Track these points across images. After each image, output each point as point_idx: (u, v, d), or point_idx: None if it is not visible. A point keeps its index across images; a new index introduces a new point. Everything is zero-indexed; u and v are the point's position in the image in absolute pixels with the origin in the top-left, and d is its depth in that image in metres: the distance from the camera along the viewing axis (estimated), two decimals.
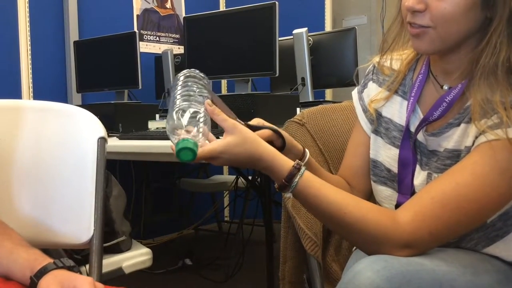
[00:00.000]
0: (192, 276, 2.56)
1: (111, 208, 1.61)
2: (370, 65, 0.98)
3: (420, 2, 0.76)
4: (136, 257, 1.67)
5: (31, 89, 2.54)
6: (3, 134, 1.00)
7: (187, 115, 0.77)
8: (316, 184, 0.77)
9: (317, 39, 2.29)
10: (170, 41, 3.27)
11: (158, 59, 2.83)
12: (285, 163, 0.77)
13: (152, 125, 2.18)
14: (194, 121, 0.77)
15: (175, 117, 0.77)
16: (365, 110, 0.97)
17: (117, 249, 1.66)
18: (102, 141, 0.96)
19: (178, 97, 0.80)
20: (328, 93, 3.09)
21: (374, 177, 0.93)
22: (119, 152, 1.76)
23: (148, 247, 1.75)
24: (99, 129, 0.98)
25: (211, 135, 0.81)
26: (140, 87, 2.38)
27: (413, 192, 0.85)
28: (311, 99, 2.16)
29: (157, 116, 2.39)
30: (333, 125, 1.15)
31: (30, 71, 2.54)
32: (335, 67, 2.29)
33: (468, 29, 0.76)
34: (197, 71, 0.85)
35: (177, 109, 0.78)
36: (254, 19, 1.95)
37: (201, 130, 0.77)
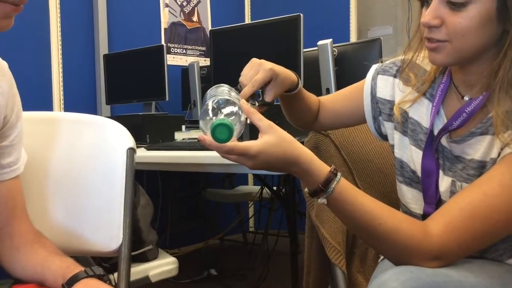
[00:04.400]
0: (217, 287, 2.57)
1: (139, 217, 1.64)
2: (399, 57, 0.97)
3: (435, 17, 0.77)
4: (163, 266, 1.70)
5: (62, 101, 2.62)
6: (38, 144, 1.04)
7: (224, 110, 0.76)
8: (352, 191, 0.77)
9: (342, 50, 2.30)
10: (197, 53, 3.33)
11: (184, 71, 2.88)
12: (322, 167, 0.77)
13: (179, 136, 2.22)
14: (229, 116, 0.75)
15: (211, 106, 0.75)
16: (373, 94, 0.98)
17: (144, 258, 1.69)
18: (131, 151, 0.99)
19: (213, 97, 0.79)
20: None
21: (401, 177, 0.94)
22: (147, 162, 1.80)
23: (173, 256, 1.78)
24: (128, 140, 1.01)
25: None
26: (167, 99, 2.42)
27: (439, 200, 0.85)
28: None
29: (183, 127, 2.43)
30: (357, 135, 1.15)
31: (61, 83, 2.62)
32: (360, 78, 2.28)
33: (484, 42, 0.76)
34: (230, 86, 0.86)
35: (214, 100, 0.77)
36: (280, 32, 1.97)
37: (236, 126, 0.75)
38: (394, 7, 3.47)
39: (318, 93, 2.22)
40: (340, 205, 0.77)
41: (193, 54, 3.30)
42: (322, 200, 0.77)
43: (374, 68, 1.01)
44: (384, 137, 1.01)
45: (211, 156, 1.55)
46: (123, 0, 2.88)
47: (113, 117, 2.64)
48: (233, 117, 0.76)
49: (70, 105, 2.64)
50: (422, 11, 0.81)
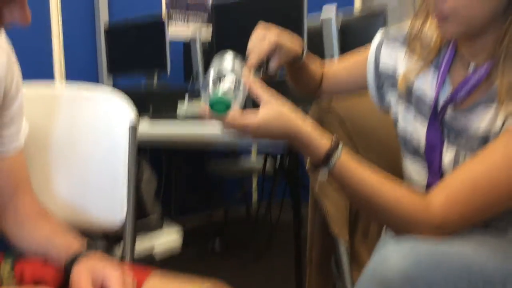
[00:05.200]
0: (220, 260, 2.61)
1: (142, 191, 1.65)
2: (405, 24, 0.95)
3: None
4: (167, 235, 1.72)
5: (63, 69, 2.60)
6: (39, 119, 1.03)
7: (225, 79, 0.76)
8: (353, 163, 0.77)
9: (345, 22, 2.26)
10: (199, 20, 3.27)
11: (186, 44, 2.86)
12: (323, 140, 0.76)
13: (181, 107, 2.21)
14: (230, 86, 0.76)
15: (212, 76, 0.76)
16: (376, 64, 0.97)
17: (149, 229, 1.71)
18: (133, 129, 0.98)
19: (216, 66, 0.79)
20: None
21: (405, 151, 0.93)
22: (150, 139, 1.79)
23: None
24: (131, 117, 1.00)
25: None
26: (168, 72, 2.42)
27: (442, 172, 0.85)
28: None
29: (186, 97, 2.42)
30: (362, 105, 1.13)
31: (62, 52, 2.59)
32: None
33: (492, 10, 0.75)
34: (236, 53, 0.85)
35: (216, 69, 0.77)
36: (283, 5, 1.94)
37: (238, 97, 0.76)
38: None
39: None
40: (341, 178, 0.76)
41: (196, 21, 3.25)
42: (323, 176, 0.77)
43: (378, 36, 0.99)
44: (386, 109, 1.00)
45: (213, 134, 1.54)
46: None
47: (116, 88, 2.63)
48: (234, 87, 0.76)
49: (72, 74, 2.63)
50: None
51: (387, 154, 1.08)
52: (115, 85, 2.73)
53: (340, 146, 0.76)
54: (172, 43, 2.47)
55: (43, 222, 0.86)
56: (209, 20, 3.28)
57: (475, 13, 0.75)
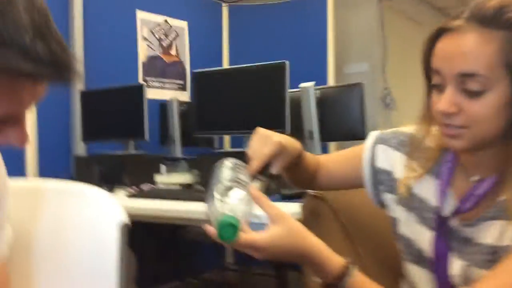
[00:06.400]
0: None
1: None
2: (399, 129, 0.97)
3: (452, 105, 0.76)
4: None
5: (36, 137, 2.49)
6: (23, 216, 0.98)
7: (231, 194, 0.75)
8: (367, 284, 0.75)
9: (323, 93, 2.31)
10: (175, 87, 3.29)
11: (162, 106, 2.85)
12: (335, 260, 0.75)
13: (160, 179, 2.17)
14: (237, 202, 0.74)
15: (216, 195, 0.74)
16: (372, 163, 0.97)
17: None
18: (124, 228, 0.94)
19: (220, 179, 0.78)
20: (333, 147, 3.01)
21: (408, 255, 0.92)
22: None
23: None
24: (120, 214, 0.96)
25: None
26: (146, 139, 2.38)
27: (451, 286, 0.84)
28: (319, 152, 2.16)
29: (164, 168, 2.38)
30: (355, 197, 1.13)
31: (36, 118, 2.50)
32: (342, 121, 2.30)
33: (501, 126, 0.76)
34: (237, 160, 0.85)
35: (220, 187, 0.76)
36: (265, 77, 1.97)
37: (245, 212, 0.74)
38: (370, 44, 3.54)
39: (301, 135, 2.23)
40: None
41: (171, 88, 3.27)
42: None
43: (373, 136, 1.01)
44: (382, 206, 1.00)
45: (196, 211, 1.51)
46: (100, 33, 2.82)
47: (91, 156, 2.57)
48: (241, 202, 0.75)
49: (44, 142, 2.52)
50: (433, 95, 0.81)
51: (385, 248, 1.07)
52: (89, 153, 2.66)
53: (352, 267, 0.75)
54: (148, 106, 2.43)
55: None
56: (184, 88, 3.31)
57: (486, 129, 0.76)
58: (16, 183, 0.99)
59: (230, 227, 0.70)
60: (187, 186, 2.07)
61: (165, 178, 2.15)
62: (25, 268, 0.96)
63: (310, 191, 1.11)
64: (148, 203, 1.75)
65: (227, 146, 3.44)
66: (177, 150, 2.65)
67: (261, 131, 0.92)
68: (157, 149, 2.76)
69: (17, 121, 0.57)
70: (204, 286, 3.19)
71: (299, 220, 0.86)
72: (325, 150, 2.78)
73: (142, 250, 2.79)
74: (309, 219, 1.06)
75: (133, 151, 2.49)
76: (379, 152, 0.97)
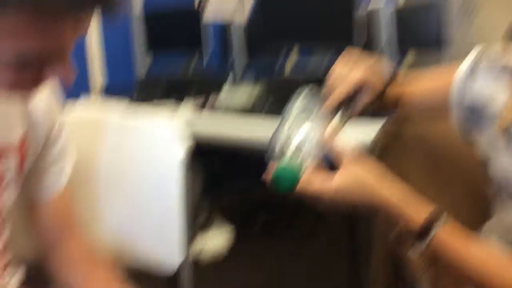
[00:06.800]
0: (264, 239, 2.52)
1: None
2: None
3: None
4: (215, 237, 1.66)
5: (101, 53, 2.56)
6: (87, 149, 0.96)
7: (301, 130, 0.69)
8: (458, 237, 0.67)
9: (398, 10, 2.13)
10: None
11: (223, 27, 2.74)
12: (417, 211, 0.67)
13: (224, 95, 2.12)
14: (306, 140, 0.68)
15: (286, 132, 0.69)
16: (466, 94, 0.82)
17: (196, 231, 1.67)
18: (187, 165, 0.89)
19: (293, 111, 0.72)
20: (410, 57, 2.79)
21: (506, 193, 0.81)
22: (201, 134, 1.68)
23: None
24: (182, 151, 0.91)
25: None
26: (207, 56, 2.40)
27: None
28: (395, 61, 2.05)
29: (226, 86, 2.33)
30: (442, 133, 0.99)
31: (101, 33, 2.54)
32: (420, 28, 2.13)
33: None
34: (315, 90, 0.76)
35: (290, 120, 0.70)
36: None
37: (312, 152, 0.68)
38: None
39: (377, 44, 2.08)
40: (440, 255, 0.67)
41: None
42: (415, 253, 0.67)
43: (471, 58, 0.84)
44: (472, 142, 0.86)
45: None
46: None
47: (157, 77, 2.57)
48: (310, 140, 0.68)
49: (109, 56, 2.58)
50: None
51: (473, 194, 0.95)
52: (153, 66, 2.67)
53: (442, 218, 0.66)
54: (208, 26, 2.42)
55: (89, 270, 0.82)
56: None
57: None
58: (76, 117, 0.97)
59: (286, 180, 0.65)
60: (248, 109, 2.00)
61: (227, 99, 2.10)
62: (91, 193, 0.96)
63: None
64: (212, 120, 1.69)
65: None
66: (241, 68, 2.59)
67: (346, 57, 0.81)
68: (216, 68, 2.70)
69: (62, 57, 0.58)
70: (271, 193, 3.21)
71: (378, 145, 0.77)
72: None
73: (209, 166, 2.83)
74: (390, 144, 0.96)
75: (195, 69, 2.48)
76: (479, 77, 0.81)
